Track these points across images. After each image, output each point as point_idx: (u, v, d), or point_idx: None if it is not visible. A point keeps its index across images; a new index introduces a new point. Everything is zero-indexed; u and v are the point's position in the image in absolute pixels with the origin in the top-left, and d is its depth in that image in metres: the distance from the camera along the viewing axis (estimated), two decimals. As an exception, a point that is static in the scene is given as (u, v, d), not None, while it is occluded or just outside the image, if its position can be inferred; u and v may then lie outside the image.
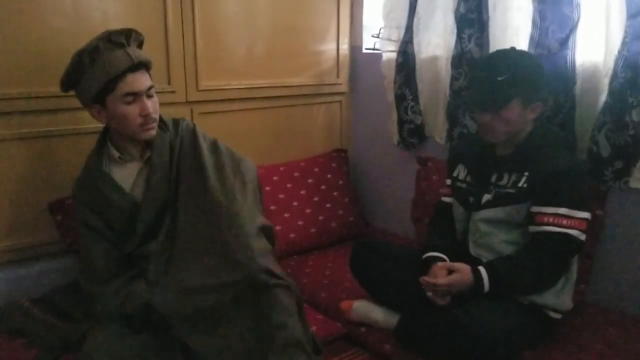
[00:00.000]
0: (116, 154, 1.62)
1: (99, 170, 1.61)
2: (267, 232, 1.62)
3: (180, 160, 1.65)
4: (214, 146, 1.70)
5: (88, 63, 1.49)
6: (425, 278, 1.55)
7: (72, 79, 1.53)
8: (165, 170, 1.63)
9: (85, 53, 1.48)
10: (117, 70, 1.48)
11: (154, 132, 1.60)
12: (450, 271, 1.55)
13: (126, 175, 1.63)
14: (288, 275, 1.52)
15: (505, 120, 1.52)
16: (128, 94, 1.51)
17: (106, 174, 1.61)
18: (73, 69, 1.51)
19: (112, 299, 1.53)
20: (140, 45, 1.62)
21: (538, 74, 1.53)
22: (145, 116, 1.55)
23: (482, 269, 1.52)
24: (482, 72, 1.56)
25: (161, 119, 1.65)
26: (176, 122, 1.71)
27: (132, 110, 1.53)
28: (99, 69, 1.48)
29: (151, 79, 1.59)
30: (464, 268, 1.53)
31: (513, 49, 1.57)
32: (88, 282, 1.60)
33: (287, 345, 1.35)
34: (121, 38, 1.52)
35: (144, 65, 1.55)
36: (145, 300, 1.48)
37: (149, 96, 1.56)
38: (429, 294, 1.56)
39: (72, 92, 1.58)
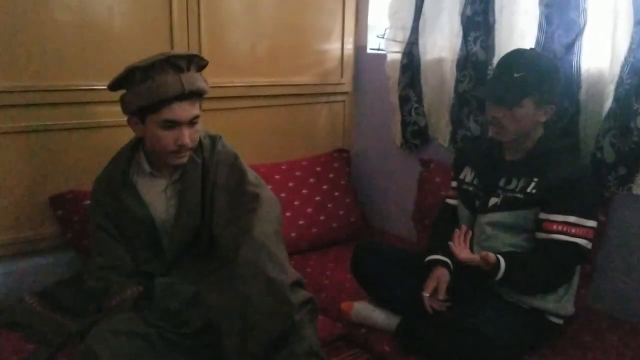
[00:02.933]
0: (147, 169, 1.59)
1: (125, 179, 1.58)
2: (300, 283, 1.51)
3: (216, 191, 1.59)
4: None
5: (139, 79, 1.44)
6: (456, 248, 1.54)
7: (119, 87, 1.50)
8: (196, 199, 1.59)
9: (139, 69, 1.43)
10: (164, 95, 1.43)
11: (184, 160, 1.55)
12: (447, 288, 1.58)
13: (151, 190, 1.60)
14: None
15: (517, 119, 1.52)
16: (168, 121, 1.46)
17: (132, 185, 1.59)
18: (122, 81, 1.46)
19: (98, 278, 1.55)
20: (201, 69, 1.57)
21: (554, 77, 1.53)
22: (180, 145, 1.50)
23: (501, 257, 1.49)
24: (500, 68, 1.57)
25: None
26: (213, 139, 1.65)
27: (168, 136, 1.48)
28: (146, 89, 1.43)
29: (201, 107, 1.53)
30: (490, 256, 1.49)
31: (533, 49, 1.58)
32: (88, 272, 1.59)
33: (305, 355, 1.34)
34: (181, 62, 1.47)
35: (195, 95, 1.49)
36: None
37: (192, 124, 1.50)
38: (425, 294, 1.56)
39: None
